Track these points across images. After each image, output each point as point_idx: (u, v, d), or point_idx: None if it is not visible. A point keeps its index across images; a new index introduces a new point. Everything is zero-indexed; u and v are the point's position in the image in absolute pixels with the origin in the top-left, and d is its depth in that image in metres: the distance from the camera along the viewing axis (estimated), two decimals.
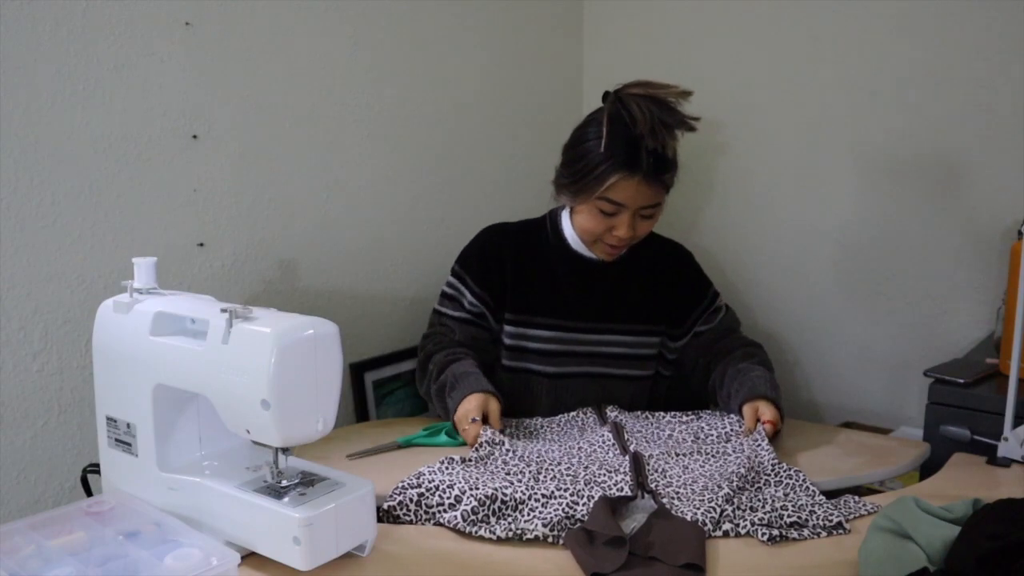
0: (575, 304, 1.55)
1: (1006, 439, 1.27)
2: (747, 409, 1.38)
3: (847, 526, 1.09)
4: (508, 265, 1.56)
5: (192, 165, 1.41)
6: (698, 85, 1.99)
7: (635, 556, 1.00)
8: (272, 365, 0.93)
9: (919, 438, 1.44)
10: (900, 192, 1.75)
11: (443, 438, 1.43)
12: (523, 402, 1.55)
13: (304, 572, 0.98)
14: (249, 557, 1.02)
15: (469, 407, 1.36)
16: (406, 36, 1.71)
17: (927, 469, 1.36)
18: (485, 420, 1.35)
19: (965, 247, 1.69)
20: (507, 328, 1.55)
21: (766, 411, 1.37)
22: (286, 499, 1.00)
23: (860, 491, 1.32)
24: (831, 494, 1.22)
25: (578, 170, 1.44)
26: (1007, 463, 1.28)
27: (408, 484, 1.17)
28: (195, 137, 1.40)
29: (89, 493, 1.19)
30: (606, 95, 1.47)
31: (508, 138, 1.98)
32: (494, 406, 1.37)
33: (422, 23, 1.74)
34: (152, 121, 1.35)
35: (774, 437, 1.35)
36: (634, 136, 1.38)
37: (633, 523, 1.09)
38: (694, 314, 1.60)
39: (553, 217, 1.59)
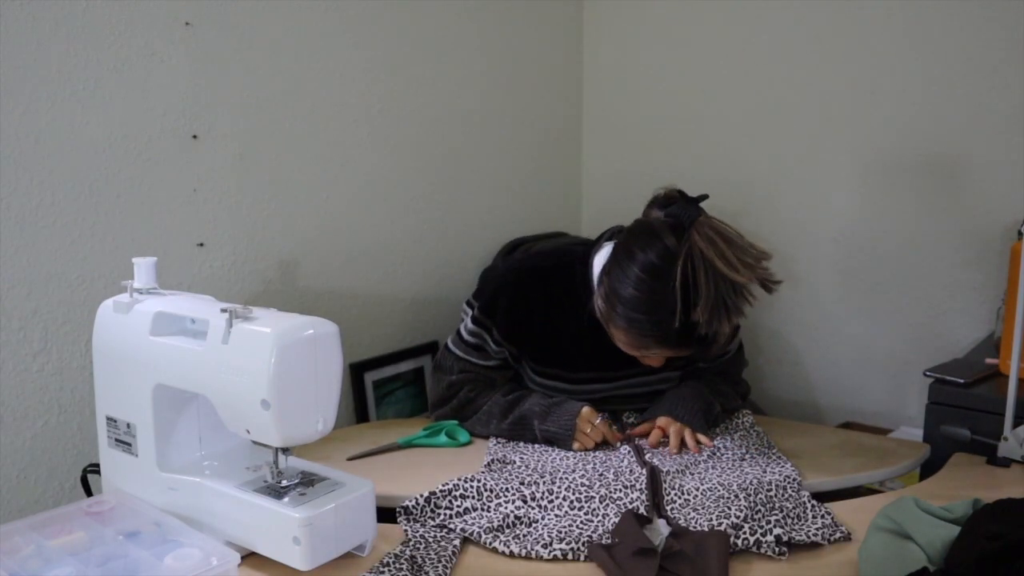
0: (600, 355, 1.48)
1: (1006, 439, 1.27)
2: (645, 427, 1.43)
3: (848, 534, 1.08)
4: (536, 318, 1.47)
5: (192, 165, 1.41)
6: (698, 84, 2.01)
7: (664, 571, 0.99)
8: (272, 365, 0.93)
9: (919, 438, 1.44)
10: (900, 192, 1.75)
11: (443, 438, 1.43)
12: None
13: (304, 572, 0.98)
14: (249, 557, 1.02)
15: (590, 410, 1.41)
16: (406, 36, 1.71)
17: (927, 469, 1.36)
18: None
19: (965, 247, 1.68)
20: (529, 375, 1.53)
21: (664, 424, 1.40)
22: (286, 499, 1.00)
23: (860, 491, 1.32)
24: (831, 495, 1.22)
25: (619, 315, 1.32)
26: (1007, 463, 1.28)
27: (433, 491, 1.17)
28: (195, 137, 1.40)
29: (89, 493, 1.19)
30: (682, 209, 1.30)
31: (507, 138, 1.98)
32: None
33: (422, 23, 1.74)
34: (152, 121, 1.35)
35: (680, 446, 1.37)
36: (691, 320, 1.25)
37: (659, 537, 1.08)
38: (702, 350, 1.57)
39: (586, 267, 1.46)
